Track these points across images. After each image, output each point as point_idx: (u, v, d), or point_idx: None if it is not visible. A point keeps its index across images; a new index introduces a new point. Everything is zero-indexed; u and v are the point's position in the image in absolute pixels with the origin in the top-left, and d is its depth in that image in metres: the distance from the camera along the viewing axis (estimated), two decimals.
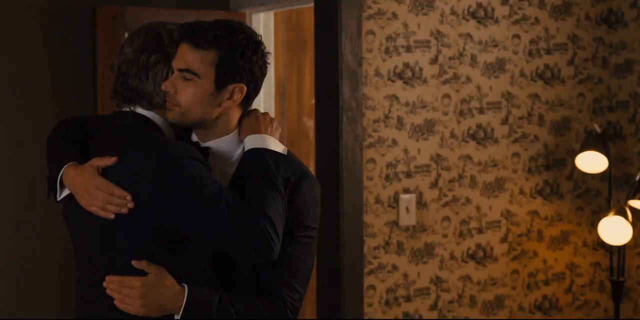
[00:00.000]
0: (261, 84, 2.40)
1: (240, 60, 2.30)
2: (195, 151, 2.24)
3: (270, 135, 2.36)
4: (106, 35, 4.62)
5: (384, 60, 4.01)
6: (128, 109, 2.35)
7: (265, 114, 2.44)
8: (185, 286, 2.23)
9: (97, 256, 2.27)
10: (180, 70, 2.28)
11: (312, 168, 4.64)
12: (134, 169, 2.18)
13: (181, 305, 2.22)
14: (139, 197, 2.17)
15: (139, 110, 2.33)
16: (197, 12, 4.92)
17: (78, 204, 2.25)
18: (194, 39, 2.25)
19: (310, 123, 5.62)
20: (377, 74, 4.00)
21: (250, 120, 2.39)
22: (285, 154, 2.35)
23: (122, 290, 2.22)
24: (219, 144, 2.39)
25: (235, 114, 2.38)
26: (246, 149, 2.33)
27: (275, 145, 2.34)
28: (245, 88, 2.34)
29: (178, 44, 2.28)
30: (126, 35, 4.63)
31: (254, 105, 5.17)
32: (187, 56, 2.26)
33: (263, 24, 5.29)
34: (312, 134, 5.58)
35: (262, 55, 2.36)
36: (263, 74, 2.38)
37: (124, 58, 2.30)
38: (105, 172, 2.22)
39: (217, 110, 2.33)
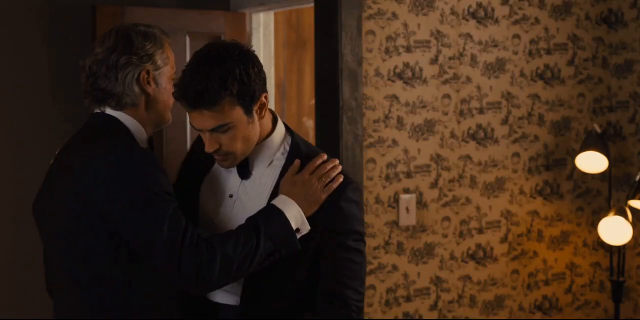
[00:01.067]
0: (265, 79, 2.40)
1: (248, 82, 2.31)
2: (156, 161, 2.26)
3: (303, 196, 2.35)
4: None
5: (384, 60, 4.01)
6: (98, 110, 2.37)
7: (319, 168, 2.42)
8: None
9: (60, 257, 2.31)
10: (211, 131, 2.30)
11: None
12: (93, 174, 2.21)
13: None
14: (95, 201, 2.20)
15: (109, 111, 2.35)
16: (196, 12, 4.92)
17: (44, 204, 2.33)
18: (203, 105, 2.25)
19: (310, 123, 5.61)
20: (377, 74, 4.00)
21: (292, 179, 2.40)
22: (293, 228, 2.33)
23: None
24: (257, 152, 2.45)
25: (266, 117, 2.43)
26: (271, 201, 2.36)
27: (292, 210, 2.33)
28: (264, 95, 2.37)
29: (161, 43, 2.35)
30: None
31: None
32: (207, 119, 2.28)
33: (263, 23, 5.29)
34: (312, 133, 5.58)
35: (252, 59, 2.34)
36: (263, 75, 2.39)
37: (94, 58, 2.34)
38: (69, 174, 2.26)
39: (257, 129, 2.38)
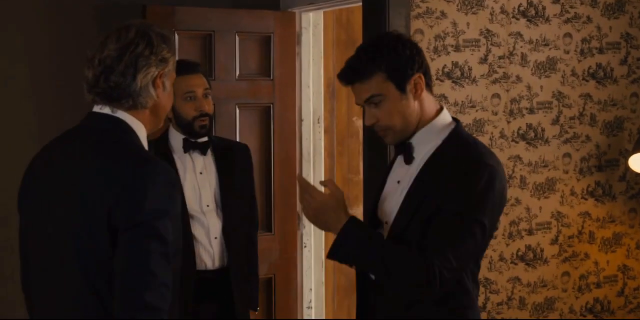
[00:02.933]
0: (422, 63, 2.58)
1: (397, 61, 2.53)
2: (172, 173, 2.17)
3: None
4: None
5: (432, 59, 3.98)
6: (102, 108, 2.24)
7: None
8: (349, 218, 2.49)
9: (54, 256, 2.19)
10: (366, 103, 2.55)
11: (361, 167, 4.60)
12: (108, 175, 2.11)
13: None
14: (102, 201, 2.09)
15: (119, 112, 2.23)
16: (246, 12, 4.93)
17: (36, 202, 2.23)
18: (355, 79, 2.54)
19: (359, 122, 5.59)
20: None
21: None
22: None
23: (305, 195, 2.52)
24: (420, 136, 2.58)
25: (427, 100, 2.58)
26: None
27: None
28: (418, 75, 2.55)
29: (173, 49, 2.29)
30: (177, 35, 4.67)
31: (304, 106, 5.14)
32: (361, 92, 2.55)
33: (312, 23, 5.28)
34: (362, 133, 5.56)
35: (404, 43, 2.55)
36: (419, 58, 2.57)
37: (108, 53, 2.20)
38: (84, 177, 2.15)
39: (413, 108, 2.55)
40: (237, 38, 4.90)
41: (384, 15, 3.87)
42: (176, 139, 3.54)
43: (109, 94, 2.21)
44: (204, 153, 3.54)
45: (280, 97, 5.06)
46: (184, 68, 3.42)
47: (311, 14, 5.26)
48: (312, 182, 5.41)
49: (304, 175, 5.37)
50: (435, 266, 2.38)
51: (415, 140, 2.58)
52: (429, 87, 2.59)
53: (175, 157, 3.52)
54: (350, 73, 2.55)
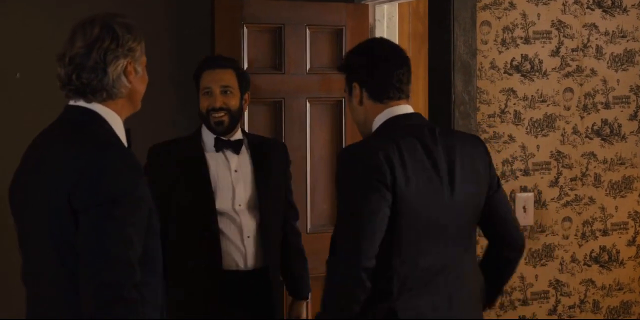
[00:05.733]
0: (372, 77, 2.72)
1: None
2: (132, 158, 2.23)
3: None
4: (224, 27, 4.59)
5: (500, 52, 3.83)
6: (76, 100, 2.31)
7: None
8: None
9: (35, 242, 2.28)
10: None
11: None
12: (69, 161, 2.18)
13: None
14: (63, 185, 2.16)
15: (93, 104, 2.30)
16: (317, 4, 4.84)
17: (24, 196, 2.29)
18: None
19: None
20: (493, 66, 3.82)
21: None
22: None
23: None
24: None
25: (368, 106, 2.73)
26: None
27: None
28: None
29: (140, 40, 2.36)
30: (245, 29, 4.62)
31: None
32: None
33: (387, 15, 5.16)
34: None
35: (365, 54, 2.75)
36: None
37: (76, 51, 2.28)
38: (49, 167, 2.23)
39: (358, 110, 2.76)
40: (307, 31, 4.82)
41: (449, 7, 3.74)
42: (208, 137, 3.49)
43: (82, 90, 2.29)
44: (236, 151, 3.47)
45: None
46: (205, 64, 3.50)
47: (385, 6, 5.14)
48: None
49: None
50: None
51: None
52: (372, 97, 2.70)
53: (208, 155, 3.46)
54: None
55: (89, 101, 2.30)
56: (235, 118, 3.47)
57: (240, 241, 3.42)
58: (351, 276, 2.44)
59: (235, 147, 3.47)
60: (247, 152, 3.52)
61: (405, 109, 2.69)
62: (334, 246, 2.50)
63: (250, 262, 3.43)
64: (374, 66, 2.69)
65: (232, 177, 3.45)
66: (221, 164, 3.46)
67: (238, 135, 3.51)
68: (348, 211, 2.51)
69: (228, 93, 3.45)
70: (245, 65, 4.60)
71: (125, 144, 2.34)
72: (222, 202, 3.41)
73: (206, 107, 3.45)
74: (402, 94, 2.69)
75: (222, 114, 3.42)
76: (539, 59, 3.90)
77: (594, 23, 3.99)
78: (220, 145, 3.46)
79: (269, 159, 3.55)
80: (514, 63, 3.86)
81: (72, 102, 2.33)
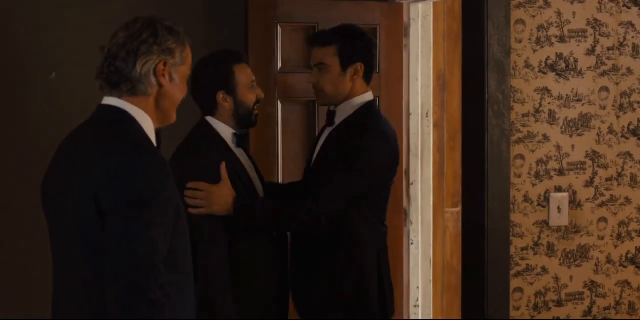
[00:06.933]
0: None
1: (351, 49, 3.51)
2: (161, 159, 2.26)
3: None
4: (258, 26, 4.59)
5: (534, 50, 3.79)
6: (109, 95, 2.35)
7: None
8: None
9: (64, 242, 2.30)
10: (315, 65, 3.56)
11: (459, 163, 4.42)
12: (97, 160, 2.20)
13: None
14: (90, 185, 2.18)
15: (115, 101, 2.34)
16: (351, 3, 4.83)
17: (55, 197, 2.31)
18: (315, 43, 3.55)
19: None
20: (527, 65, 3.79)
21: None
22: None
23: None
24: (341, 106, 3.52)
25: (358, 83, 3.54)
26: None
27: None
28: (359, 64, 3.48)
29: (182, 42, 2.42)
30: (279, 27, 4.62)
31: (412, 100, 5.04)
32: (316, 55, 3.52)
33: (421, 14, 5.14)
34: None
35: (367, 39, 3.57)
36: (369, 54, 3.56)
37: (115, 41, 2.33)
38: (78, 168, 2.25)
39: (345, 84, 3.51)
40: None
41: (482, 5, 3.72)
42: (225, 133, 3.43)
43: (110, 79, 2.33)
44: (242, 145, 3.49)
45: (386, 90, 4.94)
46: (243, 56, 3.48)
47: (420, 5, 5.12)
48: (418, 176, 5.28)
49: (412, 169, 5.25)
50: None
51: (338, 109, 3.50)
52: (366, 75, 3.49)
53: (236, 152, 3.45)
54: (314, 37, 3.56)
55: (118, 95, 2.33)
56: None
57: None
58: None
59: (245, 141, 3.50)
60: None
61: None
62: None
63: None
64: (372, 50, 3.52)
65: (250, 174, 3.46)
66: (243, 160, 3.46)
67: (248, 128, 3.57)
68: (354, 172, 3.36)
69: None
70: (279, 64, 4.61)
71: (155, 144, 2.36)
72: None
73: (254, 99, 3.43)
74: None
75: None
76: (574, 58, 3.86)
77: (630, 21, 3.94)
78: (239, 142, 3.43)
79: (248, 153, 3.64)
80: (549, 62, 3.83)
81: (104, 101, 2.36)
